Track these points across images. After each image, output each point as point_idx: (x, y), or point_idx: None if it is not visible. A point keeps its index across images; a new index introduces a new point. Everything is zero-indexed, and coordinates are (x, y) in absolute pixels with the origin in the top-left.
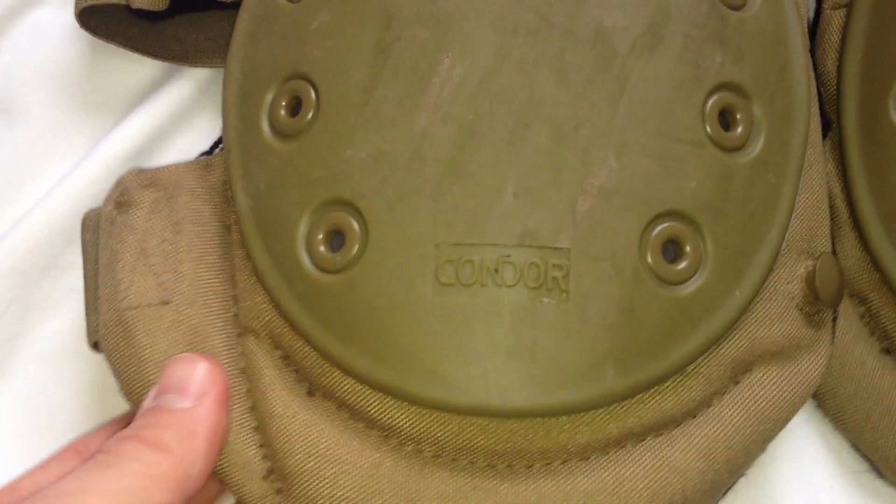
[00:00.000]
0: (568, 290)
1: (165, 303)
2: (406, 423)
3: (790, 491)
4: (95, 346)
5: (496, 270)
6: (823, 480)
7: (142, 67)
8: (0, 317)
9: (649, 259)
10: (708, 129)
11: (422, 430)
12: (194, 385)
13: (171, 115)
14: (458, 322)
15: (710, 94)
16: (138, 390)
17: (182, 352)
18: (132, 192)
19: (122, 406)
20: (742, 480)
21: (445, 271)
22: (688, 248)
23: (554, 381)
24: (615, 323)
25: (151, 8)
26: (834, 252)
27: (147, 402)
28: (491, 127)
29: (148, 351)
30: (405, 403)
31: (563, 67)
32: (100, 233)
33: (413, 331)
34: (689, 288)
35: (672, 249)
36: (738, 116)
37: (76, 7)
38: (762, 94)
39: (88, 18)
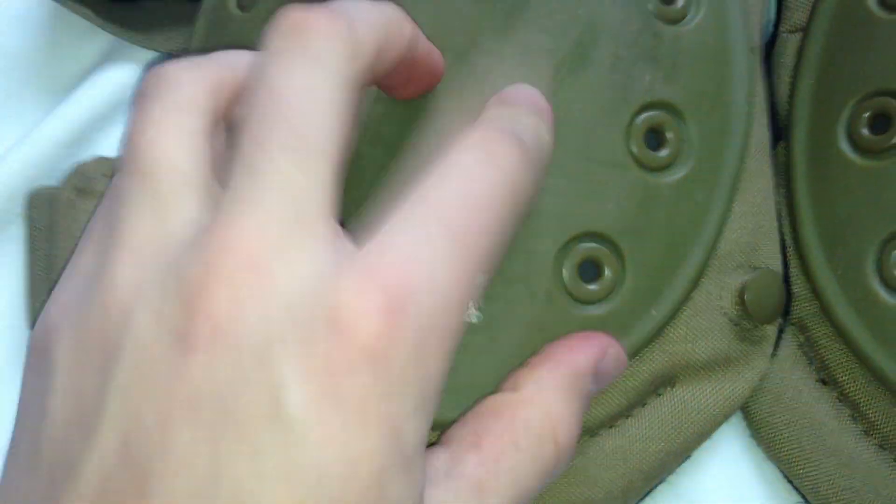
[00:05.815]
0: (480, 310)
1: None
2: None
3: None
4: None
5: None
6: None
7: (86, 52)
8: None
9: (565, 279)
10: (633, 149)
11: None
12: None
13: (110, 104)
14: None
15: (638, 113)
16: None
17: None
18: (93, 180)
19: None
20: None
21: None
22: (606, 269)
23: (465, 401)
24: (525, 343)
25: None
26: (786, 267)
27: None
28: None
29: None
30: None
31: (488, 92)
32: (55, 216)
33: None
34: (602, 308)
35: (591, 269)
36: (668, 136)
37: None
38: (696, 110)
39: None
